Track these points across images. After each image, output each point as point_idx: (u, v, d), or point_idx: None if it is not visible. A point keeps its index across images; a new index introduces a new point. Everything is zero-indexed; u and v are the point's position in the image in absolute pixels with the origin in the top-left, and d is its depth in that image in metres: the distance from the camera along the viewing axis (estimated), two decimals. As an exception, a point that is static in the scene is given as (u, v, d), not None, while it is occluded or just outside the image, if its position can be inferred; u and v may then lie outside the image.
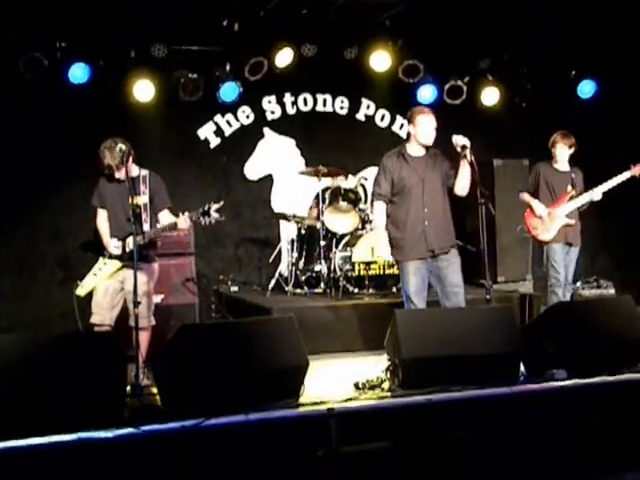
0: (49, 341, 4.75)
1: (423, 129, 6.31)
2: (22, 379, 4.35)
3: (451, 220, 6.46)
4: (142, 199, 6.06)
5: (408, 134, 6.49)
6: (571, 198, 7.25)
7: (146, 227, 6.03)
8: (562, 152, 7.35)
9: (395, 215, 6.41)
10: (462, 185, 6.30)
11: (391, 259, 6.57)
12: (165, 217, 6.13)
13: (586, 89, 10.00)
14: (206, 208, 5.83)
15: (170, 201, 6.24)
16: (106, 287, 6.06)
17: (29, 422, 4.13)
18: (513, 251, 9.49)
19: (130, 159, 6.00)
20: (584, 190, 7.32)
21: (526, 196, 7.42)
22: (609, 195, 7.30)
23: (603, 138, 9.73)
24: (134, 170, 6.14)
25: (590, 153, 8.44)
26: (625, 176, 7.23)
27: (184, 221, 5.90)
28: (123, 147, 5.86)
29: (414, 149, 6.41)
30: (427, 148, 6.41)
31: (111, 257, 6.08)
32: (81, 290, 6.07)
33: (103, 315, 6.04)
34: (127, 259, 5.95)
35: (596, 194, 7.23)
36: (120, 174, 5.93)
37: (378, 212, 6.49)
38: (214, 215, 5.83)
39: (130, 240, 5.91)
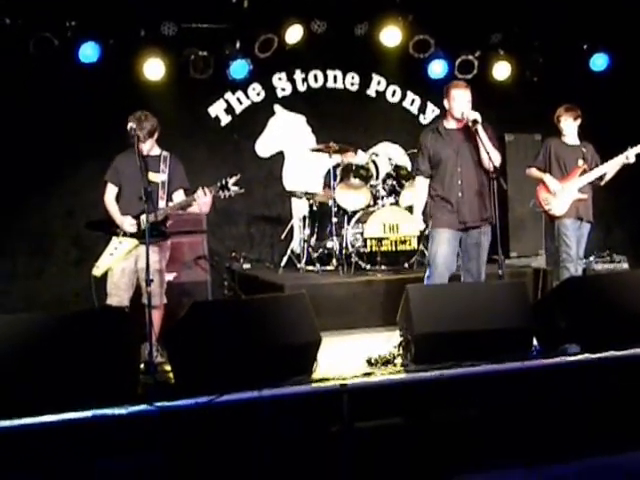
0: (62, 319, 4.76)
1: (457, 103, 6.31)
2: (36, 357, 4.38)
3: (488, 194, 6.32)
4: (160, 177, 6.03)
5: (443, 108, 6.53)
6: (583, 172, 7.20)
7: (162, 204, 5.99)
8: (568, 125, 7.29)
9: (432, 188, 6.48)
10: (483, 158, 6.26)
11: (421, 229, 6.85)
12: (179, 197, 6.09)
13: (599, 62, 9.93)
14: (224, 182, 5.76)
15: (187, 183, 6.18)
16: (123, 268, 6.00)
17: (44, 400, 4.16)
18: (526, 226, 9.48)
19: (156, 135, 6.01)
20: (600, 162, 7.26)
21: (535, 171, 7.36)
22: (622, 169, 7.24)
23: (616, 112, 9.67)
24: (156, 149, 6.13)
25: (603, 127, 8.39)
26: (637, 150, 7.14)
27: (202, 194, 5.77)
28: (132, 125, 5.82)
29: (449, 123, 6.45)
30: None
31: (125, 235, 6.02)
32: (97, 270, 5.97)
33: (121, 296, 5.98)
34: (142, 236, 5.83)
35: (631, 155, 7.14)
36: (142, 147, 5.89)
37: (418, 186, 6.62)
38: (233, 188, 5.76)
39: (144, 217, 5.80)
